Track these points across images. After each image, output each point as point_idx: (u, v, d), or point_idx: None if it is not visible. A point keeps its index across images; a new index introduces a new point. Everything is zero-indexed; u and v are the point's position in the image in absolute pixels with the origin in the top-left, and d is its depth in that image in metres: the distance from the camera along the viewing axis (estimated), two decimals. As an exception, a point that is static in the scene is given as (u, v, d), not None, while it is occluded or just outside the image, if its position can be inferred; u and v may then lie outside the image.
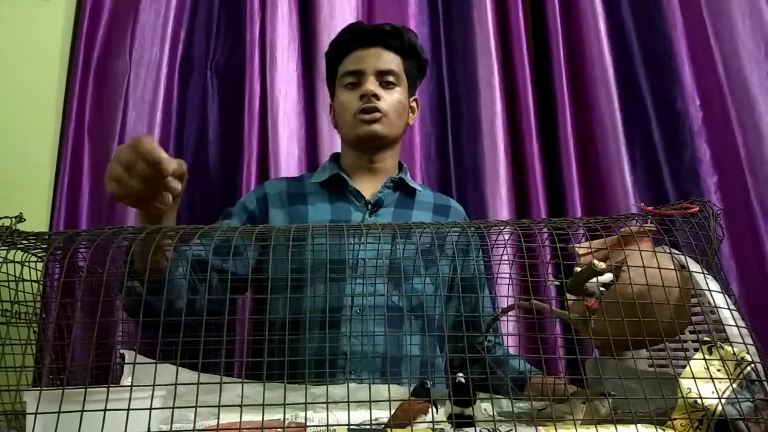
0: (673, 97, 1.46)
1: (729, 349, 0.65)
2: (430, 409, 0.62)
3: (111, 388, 0.53)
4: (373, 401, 0.56)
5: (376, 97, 1.13)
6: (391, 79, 1.16)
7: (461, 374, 0.62)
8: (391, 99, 1.16)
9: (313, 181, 1.20)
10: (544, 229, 0.76)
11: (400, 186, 1.20)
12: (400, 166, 1.25)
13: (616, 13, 1.52)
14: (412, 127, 1.47)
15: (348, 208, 1.15)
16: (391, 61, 1.17)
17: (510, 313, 0.84)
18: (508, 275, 0.95)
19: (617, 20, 1.51)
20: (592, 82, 1.47)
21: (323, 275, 0.87)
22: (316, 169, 1.28)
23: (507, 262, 0.89)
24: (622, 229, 0.75)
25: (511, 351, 1.14)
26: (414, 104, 1.25)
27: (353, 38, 1.19)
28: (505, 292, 1.00)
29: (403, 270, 0.99)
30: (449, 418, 0.61)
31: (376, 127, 1.14)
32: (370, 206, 1.15)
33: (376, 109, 1.13)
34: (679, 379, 0.62)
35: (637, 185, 1.41)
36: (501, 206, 1.43)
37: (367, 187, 1.18)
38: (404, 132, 1.24)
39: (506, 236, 0.87)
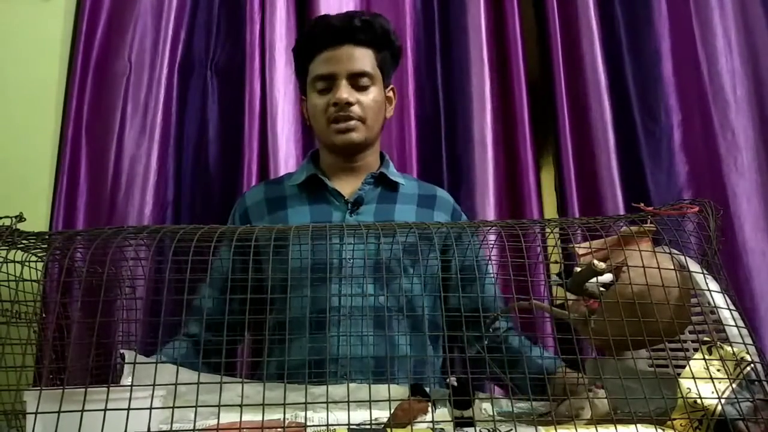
0: (657, 109, 1.47)
1: (729, 349, 0.65)
2: (429, 409, 0.62)
3: (111, 388, 0.53)
4: (373, 401, 0.56)
5: (350, 104, 1.09)
6: (365, 80, 1.11)
7: (454, 377, 0.62)
8: (366, 101, 1.10)
9: (291, 183, 1.16)
10: (534, 229, 0.77)
11: (381, 181, 1.15)
12: (382, 158, 1.20)
13: (610, 24, 1.52)
14: (410, 134, 1.48)
15: (328, 209, 1.11)
16: (363, 59, 1.11)
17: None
18: (497, 275, 0.95)
19: (611, 31, 1.52)
20: (586, 91, 1.48)
21: (310, 278, 0.87)
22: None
23: (503, 261, 0.88)
24: (622, 229, 0.75)
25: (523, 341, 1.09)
26: (391, 94, 1.19)
27: (322, 37, 1.12)
28: (496, 291, 1.00)
29: (392, 269, 0.98)
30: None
31: (353, 136, 1.10)
32: (350, 205, 1.11)
33: (351, 117, 1.09)
34: (679, 379, 0.62)
35: (624, 193, 1.42)
36: (490, 214, 1.43)
37: (347, 185, 1.14)
38: (383, 127, 1.19)
39: (491, 237, 0.86)
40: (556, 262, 0.73)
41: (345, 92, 1.09)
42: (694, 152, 1.45)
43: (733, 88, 1.44)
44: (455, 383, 0.61)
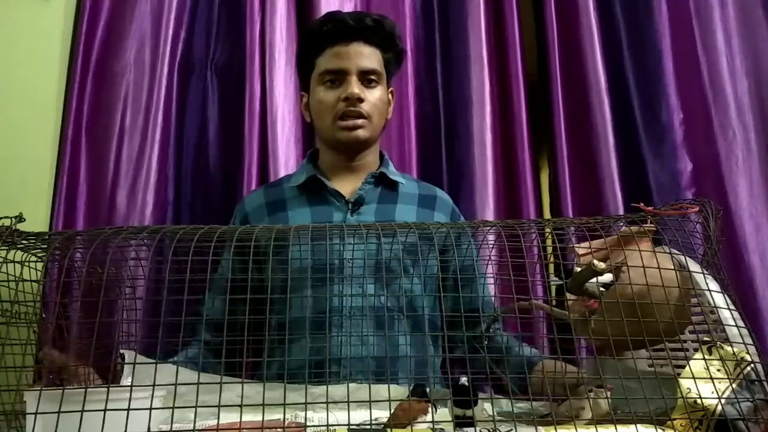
0: (658, 108, 1.48)
1: (729, 349, 0.65)
2: (429, 409, 0.62)
3: (111, 388, 0.53)
4: (373, 401, 0.56)
5: (361, 100, 1.09)
6: (373, 77, 1.11)
7: (464, 377, 0.61)
8: (373, 99, 1.11)
9: (291, 185, 1.16)
10: (535, 230, 0.77)
11: (381, 180, 1.15)
12: (382, 158, 1.21)
13: (610, 22, 1.53)
14: (410, 136, 1.48)
15: (328, 210, 1.11)
16: (372, 57, 1.12)
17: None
18: (497, 275, 0.95)
19: (611, 29, 1.52)
20: (586, 90, 1.48)
21: (312, 279, 0.87)
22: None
23: (502, 262, 0.88)
24: (622, 229, 0.75)
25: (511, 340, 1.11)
26: (390, 96, 1.20)
27: (335, 32, 1.11)
28: (495, 292, 1.00)
29: (393, 269, 0.98)
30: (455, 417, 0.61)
31: (359, 133, 1.10)
32: (350, 205, 1.11)
33: (359, 114, 1.09)
34: (679, 379, 0.62)
35: (625, 192, 1.42)
36: (488, 214, 1.43)
37: (347, 185, 1.14)
38: (384, 128, 1.20)
39: (497, 237, 0.86)
40: (553, 262, 0.73)
41: (356, 87, 1.09)
42: (696, 151, 1.45)
43: (734, 87, 1.44)
44: (466, 383, 0.61)
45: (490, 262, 0.96)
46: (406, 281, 1.02)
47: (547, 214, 1.53)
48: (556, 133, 1.47)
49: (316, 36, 1.14)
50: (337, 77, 1.11)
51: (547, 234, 0.90)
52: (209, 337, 1.02)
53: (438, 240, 1.00)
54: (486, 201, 1.45)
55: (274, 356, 0.98)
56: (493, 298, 1.10)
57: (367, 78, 1.11)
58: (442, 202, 1.20)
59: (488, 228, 0.84)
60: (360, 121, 1.10)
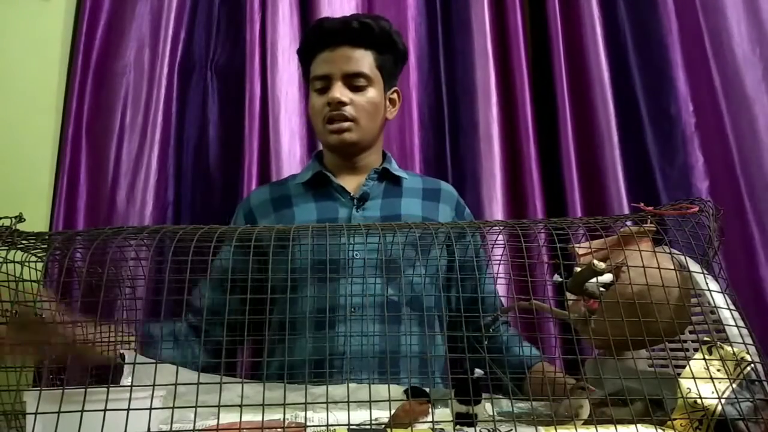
0: (666, 102, 1.46)
1: (729, 349, 0.65)
2: (430, 411, 0.62)
3: (111, 388, 0.53)
4: (373, 401, 0.56)
5: (343, 104, 1.10)
6: (360, 81, 1.12)
7: (479, 370, 0.61)
8: (360, 101, 1.11)
9: (296, 182, 1.18)
10: (542, 229, 0.76)
11: (385, 176, 1.17)
12: (384, 156, 1.22)
13: (614, 18, 1.52)
14: (412, 128, 1.47)
15: (334, 206, 1.12)
16: (360, 60, 1.12)
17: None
18: (504, 275, 0.95)
19: (614, 25, 1.52)
20: (589, 86, 1.48)
21: (316, 276, 0.87)
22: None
23: (504, 261, 0.88)
24: (622, 230, 0.75)
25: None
26: (395, 96, 1.21)
27: (320, 38, 1.14)
28: (502, 292, 0.99)
29: (398, 264, 0.99)
30: (457, 416, 0.61)
31: (346, 136, 1.11)
32: (355, 201, 1.13)
33: (344, 118, 1.10)
34: (679, 379, 0.62)
35: (631, 189, 1.41)
36: (496, 208, 1.43)
37: (352, 182, 1.16)
38: (383, 128, 1.20)
39: (499, 236, 0.86)
40: (556, 262, 0.73)
41: (338, 92, 1.10)
42: (708, 146, 1.42)
43: (742, 78, 1.42)
44: (480, 372, 0.61)
45: (491, 261, 0.96)
46: (412, 277, 1.03)
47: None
48: (560, 129, 1.46)
49: (307, 43, 1.17)
50: (325, 82, 1.12)
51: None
52: (194, 320, 1.03)
53: (443, 237, 1.00)
54: (494, 195, 1.44)
55: (275, 354, 0.98)
56: (496, 296, 1.10)
57: (353, 81, 1.12)
58: (447, 193, 1.21)
59: (488, 228, 0.84)
60: (346, 124, 1.11)
